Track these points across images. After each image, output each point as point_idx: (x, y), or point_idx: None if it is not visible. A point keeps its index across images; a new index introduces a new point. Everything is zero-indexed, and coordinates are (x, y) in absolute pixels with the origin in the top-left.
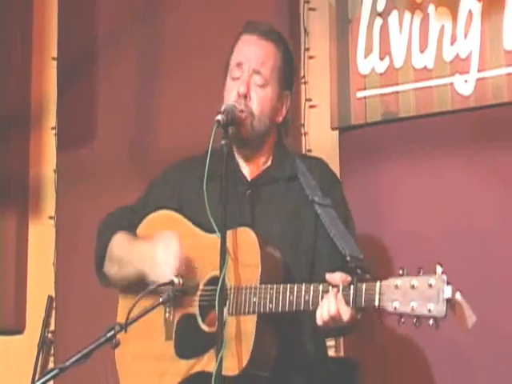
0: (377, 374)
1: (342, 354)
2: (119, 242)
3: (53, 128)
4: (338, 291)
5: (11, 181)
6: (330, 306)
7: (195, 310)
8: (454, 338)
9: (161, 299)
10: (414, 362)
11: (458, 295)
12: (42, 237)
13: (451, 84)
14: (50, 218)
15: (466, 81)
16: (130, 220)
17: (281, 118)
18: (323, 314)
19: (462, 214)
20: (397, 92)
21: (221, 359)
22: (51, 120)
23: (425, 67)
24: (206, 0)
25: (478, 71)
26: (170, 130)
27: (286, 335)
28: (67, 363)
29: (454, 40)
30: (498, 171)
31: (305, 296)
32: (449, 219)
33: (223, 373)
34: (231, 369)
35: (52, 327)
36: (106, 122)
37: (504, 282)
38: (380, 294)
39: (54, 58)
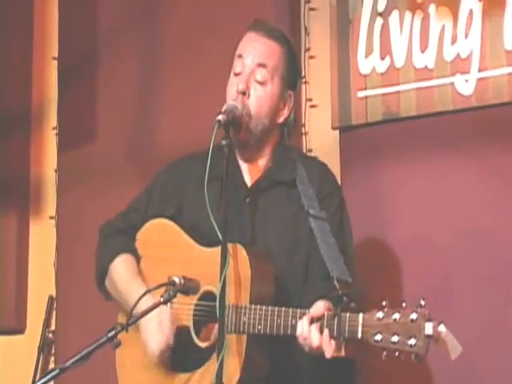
0: (376, 373)
1: (342, 353)
2: (119, 271)
3: (53, 128)
4: (323, 326)
5: (12, 181)
6: (313, 340)
7: (189, 324)
8: (456, 337)
9: (161, 299)
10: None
11: (441, 327)
12: (42, 237)
13: (452, 84)
14: (51, 217)
15: (466, 80)
16: (130, 228)
17: (282, 119)
18: (306, 346)
19: (462, 214)
20: (398, 92)
21: (221, 372)
22: (52, 120)
23: (425, 67)
24: (207, 1)
25: (479, 71)
26: (171, 130)
27: (278, 347)
28: (68, 363)
29: (454, 40)
30: (499, 171)
31: (291, 320)
32: (450, 219)
33: None
34: None
35: (53, 327)
36: (107, 122)
37: (508, 282)
38: (363, 325)
39: (54, 58)
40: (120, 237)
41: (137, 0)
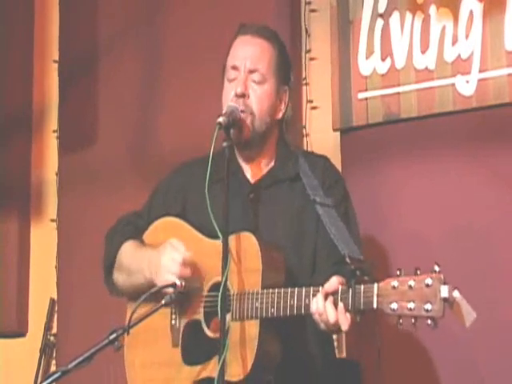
0: (379, 374)
1: (344, 354)
2: (127, 251)
3: (54, 131)
4: (337, 300)
5: (13, 184)
6: (330, 316)
7: (200, 316)
8: (456, 337)
9: (163, 301)
10: (415, 362)
11: (455, 293)
12: (43, 240)
13: (453, 85)
14: (52, 220)
15: (467, 81)
16: (136, 226)
17: (280, 114)
18: (322, 322)
19: (463, 214)
20: (398, 93)
21: (223, 365)
22: (53, 123)
23: (426, 68)
24: (207, 2)
25: (480, 72)
26: (172, 133)
27: (290, 336)
28: (69, 366)
29: (455, 41)
30: (500, 172)
31: (305, 300)
32: (451, 220)
33: (229, 379)
34: (236, 374)
35: (54, 330)
36: (108, 125)
37: (507, 282)
38: (378, 295)
39: (55, 61)
40: (128, 227)
41: (137, 3)
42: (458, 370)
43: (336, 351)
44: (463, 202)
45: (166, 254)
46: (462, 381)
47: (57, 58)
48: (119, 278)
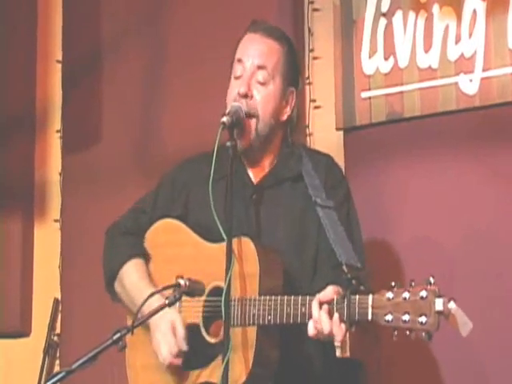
0: (381, 373)
1: (347, 354)
2: (131, 277)
3: (58, 131)
4: (333, 310)
5: (16, 184)
6: (324, 326)
7: (199, 320)
8: (458, 336)
9: (166, 301)
10: (417, 361)
11: (451, 304)
12: (47, 240)
13: (456, 83)
14: (56, 221)
15: (470, 80)
16: (138, 229)
17: (286, 117)
18: (317, 332)
19: (466, 214)
20: (401, 92)
21: (226, 369)
22: (56, 123)
23: (429, 67)
24: (209, 1)
25: (483, 70)
26: (175, 132)
27: (290, 341)
28: (73, 366)
29: (458, 39)
30: (504, 171)
31: (301, 308)
32: (454, 219)
33: None
34: (234, 380)
35: (58, 330)
36: (111, 125)
37: (507, 282)
38: (373, 307)
39: (58, 61)
40: (129, 238)
41: (140, 3)
42: (460, 369)
43: (338, 351)
44: (466, 201)
45: (164, 335)
46: (463, 380)
47: (60, 58)
48: (121, 295)
